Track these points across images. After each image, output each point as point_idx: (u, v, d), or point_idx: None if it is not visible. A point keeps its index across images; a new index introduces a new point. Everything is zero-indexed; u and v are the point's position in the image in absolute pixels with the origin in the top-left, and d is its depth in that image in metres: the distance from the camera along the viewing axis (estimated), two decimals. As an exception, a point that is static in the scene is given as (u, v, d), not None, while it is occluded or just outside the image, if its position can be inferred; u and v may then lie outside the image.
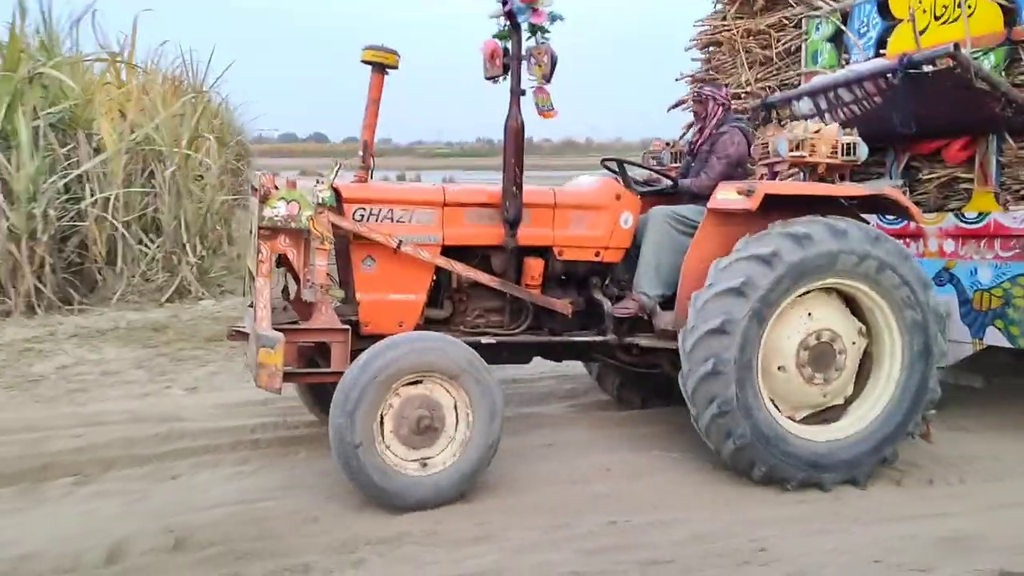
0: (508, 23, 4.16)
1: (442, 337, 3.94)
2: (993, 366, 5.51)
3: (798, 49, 6.96)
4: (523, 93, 4.20)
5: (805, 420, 4.43)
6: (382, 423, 3.76)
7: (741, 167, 4.85)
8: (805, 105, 5.94)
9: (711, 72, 7.78)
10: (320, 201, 4.00)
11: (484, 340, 4.31)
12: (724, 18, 7.58)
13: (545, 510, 3.87)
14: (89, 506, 3.91)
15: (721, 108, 5.02)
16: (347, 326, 4.08)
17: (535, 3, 3.99)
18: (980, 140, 5.42)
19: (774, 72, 7.21)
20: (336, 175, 4.07)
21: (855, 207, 4.65)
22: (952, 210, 5.56)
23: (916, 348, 4.37)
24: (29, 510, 3.88)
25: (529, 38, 4.14)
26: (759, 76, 7.30)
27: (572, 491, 4.11)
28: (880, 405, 4.39)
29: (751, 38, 7.30)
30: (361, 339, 4.18)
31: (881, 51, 6.06)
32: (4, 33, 8.87)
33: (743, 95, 7.26)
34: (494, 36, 4.26)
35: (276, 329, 3.83)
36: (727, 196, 4.34)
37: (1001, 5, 5.27)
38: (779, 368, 4.26)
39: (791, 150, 4.32)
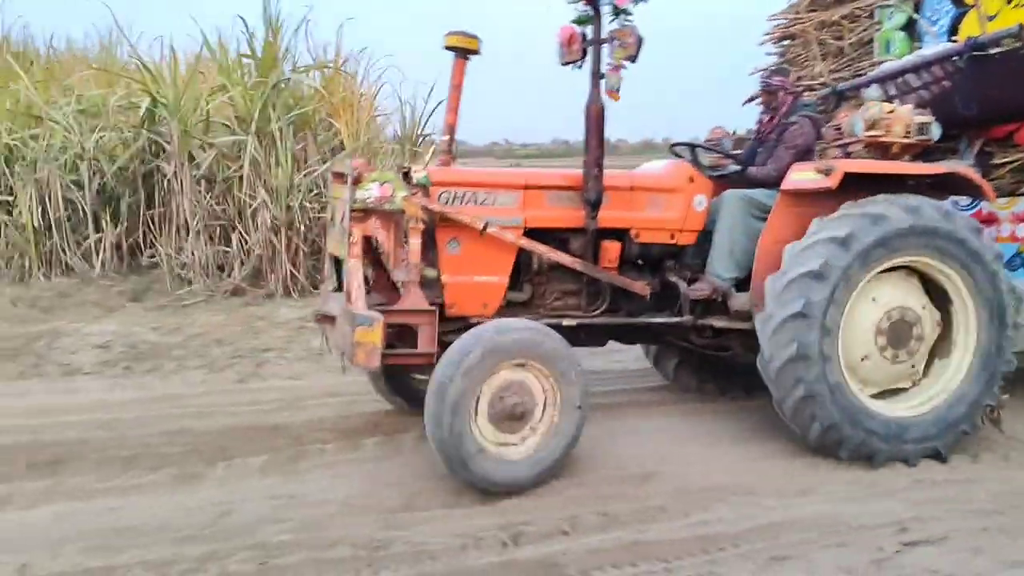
0: (589, 7, 4.25)
1: (542, 327, 3.99)
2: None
3: (871, 40, 6.96)
4: (603, 76, 4.27)
5: (881, 394, 4.48)
6: (477, 404, 3.83)
7: (809, 156, 4.86)
8: (874, 92, 5.95)
9: (785, 66, 7.83)
10: (419, 181, 4.15)
11: (565, 322, 4.41)
12: (798, 11, 7.65)
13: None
14: (402, 459, 4.43)
15: (791, 97, 5.06)
16: (434, 308, 4.18)
17: None
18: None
19: (847, 63, 7.23)
20: (431, 157, 4.22)
21: (928, 187, 4.66)
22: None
23: (990, 318, 4.40)
24: (353, 463, 4.41)
25: (612, 20, 4.21)
26: (833, 67, 7.34)
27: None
28: (959, 377, 4.43)
29: (825, 30, 7.34)
30: (445, 321, 4.28)
31: (953, 38, 6.04)
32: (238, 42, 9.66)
33: (817, 86, 7.31)
34: (572, 21, 4.35)
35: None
36: (803, 176, 4.41)
37: None
38: (863, 359, 4.33)
39: (867, 129, 4.39)
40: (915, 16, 6.45)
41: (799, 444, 4.44)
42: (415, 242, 4.12)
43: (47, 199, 8.76)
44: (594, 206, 4.40)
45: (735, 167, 5.01)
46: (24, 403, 5.50)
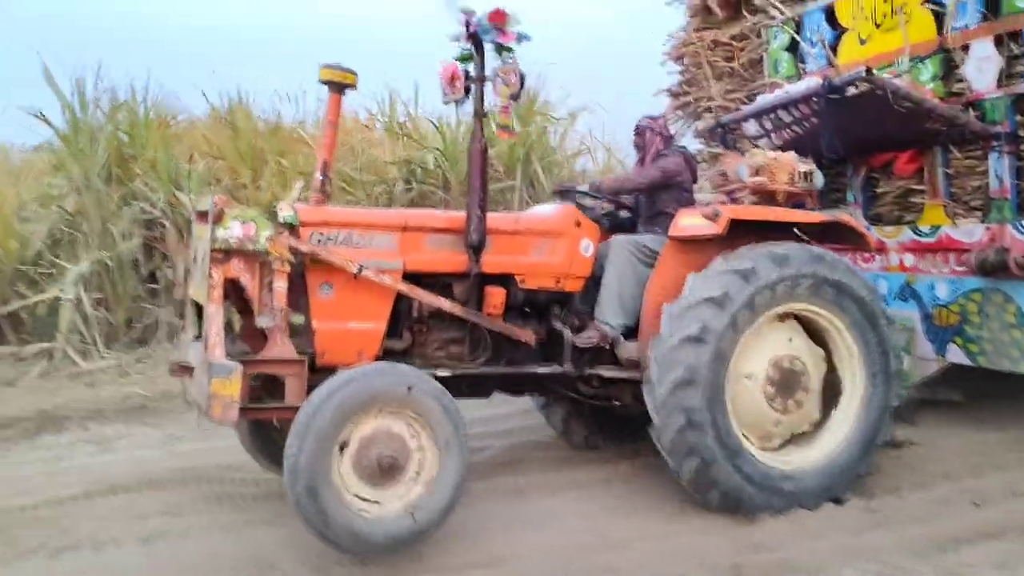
0: (471, 45, 4.06)
1: (402, 370, 3.76)
2: (971, 379, 5.50)
3: (761, 60, 6.97)
4: (486, 115, 4.11)
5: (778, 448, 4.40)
6: (340, 459, 3.58)
7: (680, 188, 4.81)
8: (752, 127, 5.95)
9: (684, 86, 7.79)
10: (285, 220, 3.87)
11: (439, 373, 4.15)
12: (688, 32, 7.60)
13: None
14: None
15: (659, 138, 4.99)
16: (303, 357, 3.91)
17: (503, 24, 3.89)
18: (927, 152, 5.44)
19: (741, 83, 7.22)
20: (300, 194, 3.95)
21: (814, 234, 4.64)
22: (909, 223, 5.60)
23: (874, 361, 4.35)
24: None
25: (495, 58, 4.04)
26: (728, 88, 7.31)
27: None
28: (850, 420, 4.37)
29: (716, 50, 7.30)
30: (316, 371, 4.00)
31: (832, 61, 6.09)
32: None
33: (714, 108, 7.27)
34: (455, 59, 4.14)
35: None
36: (691, 222, 4.30)
37: (933, 11, 5.29)
38: (753, 413, 4.24)
39: (751, 175, 4.32)
40: (796, 37, 6.45)
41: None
42: (280, 285, 3.83)
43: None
44: (476, 250, 4.18)
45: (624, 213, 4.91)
46: None
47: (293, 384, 3.86)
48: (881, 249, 5.70)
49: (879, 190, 5.86)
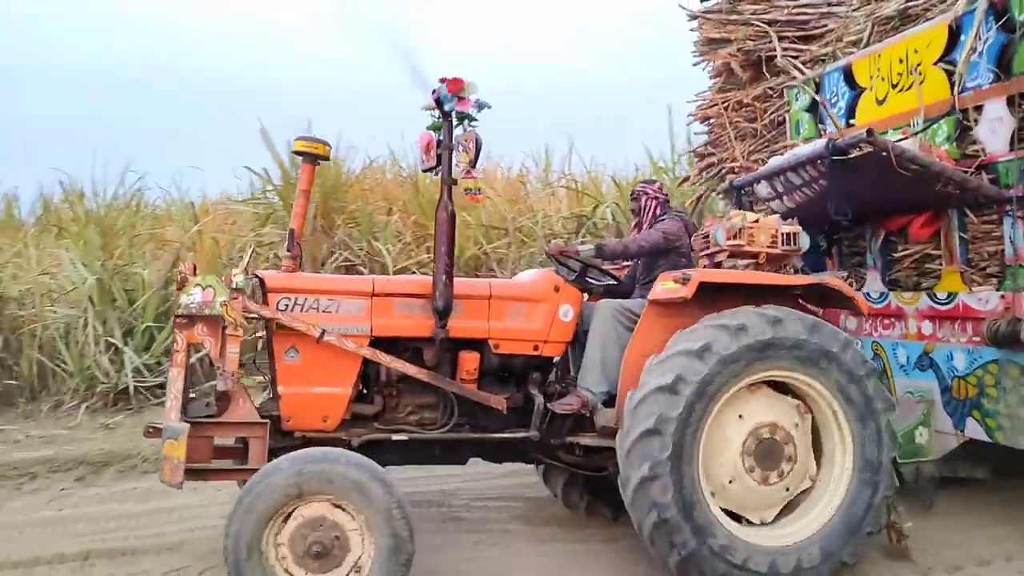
0: (439, 113, 4.11)
1: (328, 454, 3.69)
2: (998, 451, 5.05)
3: (784, 121, 6.84)
4: (454, 183, 4.12)
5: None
6: (276, 544, 3.57)
7: (677, 253, 4.76)
8: (764, 189, 5.80)
9: (709, 147, 7.72)
10: (237, 285, 3.95)
11: (395, 437, 4.18)
12: (713, 93, 7.55)
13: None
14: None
15: (655, 202, 4.97)
16: (265, 420, 3.96)
17: (460, 91, 3.95)
18: (942, 215, 5.19)
19: (764, 144, 7.10)
20: (249, 259, 4.04)
21: (804, 298, 4.46)
22: (926, 289, 5.35)
23: (866, 436, 4.13)
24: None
25: (457, 126, 4.08)
26: (751, 148, 7.20)
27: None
28: (835, 502, 4.14)
29: (740, 111, 7.21)
30: (284, 435, 4.09)
31: (851, 121, 5.93)
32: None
33: (737, 169, 7.16)
34: (428, 128, 4.21)
35: (189, 421, 3.76)
36: (665, 286, 4.21)
37: (946, 71, 5.08)
38: (730, 482, 4.07)
39: (728, 239, 4.20)
40: (816, 97, 6.30)
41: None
42: (233, 350, 3.91)
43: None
44: (442, 315, 4.15)
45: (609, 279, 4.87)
46: None
47: (256, 446, 3.92)
48: (901, 315, 5.45)
49: (896, 254, 5.61)
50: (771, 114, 6.97)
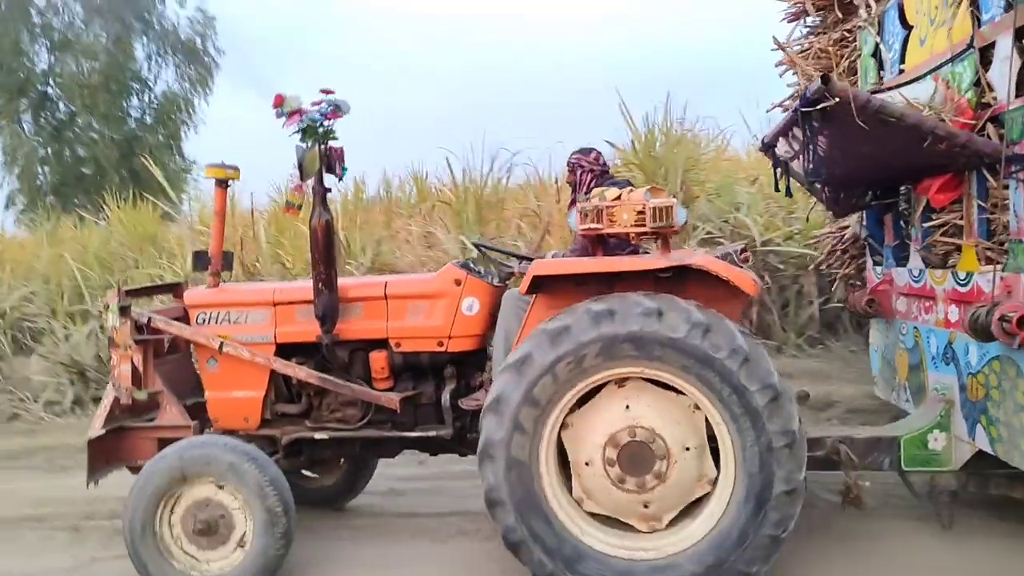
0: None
1: (208, 440, 4.19)
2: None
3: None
4: (329, 190, 4.26)
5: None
6: (170, 524, 4.08)
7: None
8: (782, 147, 5.08)
9: (792, 100, 6.89)
10: (112, 318, 4.48)
11: (317, 435, 4.46)
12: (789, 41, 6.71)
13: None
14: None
15: (591, 175, 4.68)
16: (191, 423, 4.44)
17: (279, 107, 4.09)
18: (963, 178, 4.30)
19: (845, 92, 6.21)
20: (109, 299, 4.49)
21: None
22: (951, 267, 4.46)
23: (747, 436, 3.61)
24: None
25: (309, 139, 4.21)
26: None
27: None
28: (717, 512, 3.70)
29: (811, 59, 6.37)
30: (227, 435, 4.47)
31: (901, 66, 5.03)
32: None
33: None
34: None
35: (124, 427, 4.45)
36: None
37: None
38: (586, 463, 3.79)
39: (586, 221, 3.78)
40: (876, 39, 5.41)
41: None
42: (124, 368, 4.43)
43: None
44: (323, 321, 4.30)
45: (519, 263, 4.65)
46: None
47: None
48: (932, 297, 4.61)
49: (928, 225, 4.71)
50: (845, 60, 6.08)
